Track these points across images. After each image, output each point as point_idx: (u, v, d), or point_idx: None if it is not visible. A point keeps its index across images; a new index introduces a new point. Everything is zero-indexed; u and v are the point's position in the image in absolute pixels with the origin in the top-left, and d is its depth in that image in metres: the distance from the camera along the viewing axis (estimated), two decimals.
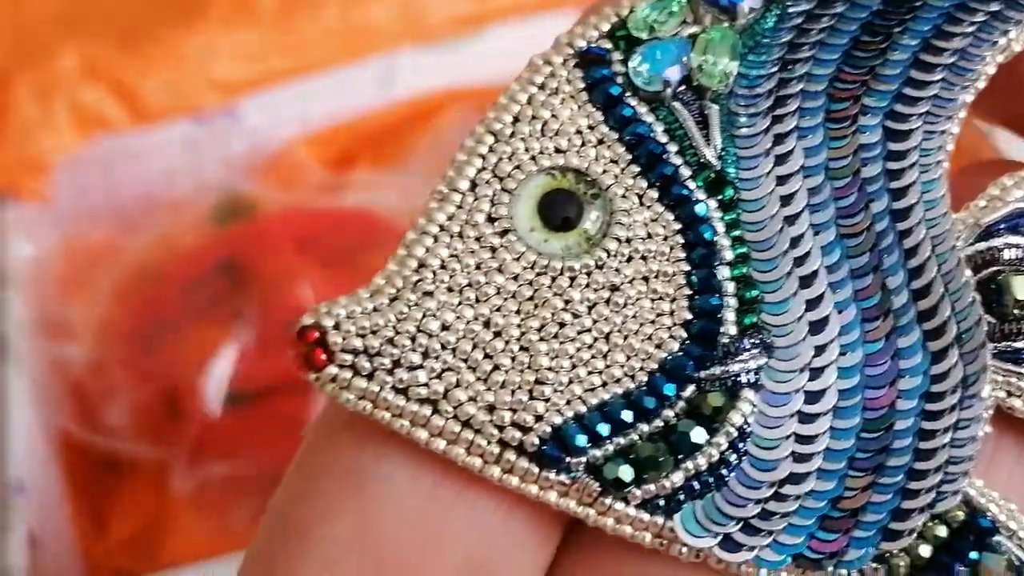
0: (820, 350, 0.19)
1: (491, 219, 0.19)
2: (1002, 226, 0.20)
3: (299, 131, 0.56)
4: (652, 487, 0.19)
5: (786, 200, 0.20)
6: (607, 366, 0.19)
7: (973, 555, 0.19)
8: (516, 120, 0.20)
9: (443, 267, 0.19)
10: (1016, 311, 0.20)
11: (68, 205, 0.53)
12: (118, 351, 0.50)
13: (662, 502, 0.19)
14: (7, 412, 0.47)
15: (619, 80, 0.20)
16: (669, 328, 0.19)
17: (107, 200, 0.54)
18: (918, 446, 0.19)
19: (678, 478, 0.19)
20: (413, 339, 0.19)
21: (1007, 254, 0.20)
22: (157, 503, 0.49)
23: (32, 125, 0.53)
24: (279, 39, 0.55)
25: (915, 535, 0.19)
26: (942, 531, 0.19)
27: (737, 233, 0.20)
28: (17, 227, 0.51)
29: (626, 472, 0.19)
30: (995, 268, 0.20)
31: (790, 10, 0.20)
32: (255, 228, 0.52)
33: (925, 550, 0.19)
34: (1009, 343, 0.20)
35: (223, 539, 0.47)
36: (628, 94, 0.20)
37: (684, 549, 0.19)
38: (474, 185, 0.20)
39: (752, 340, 0.19)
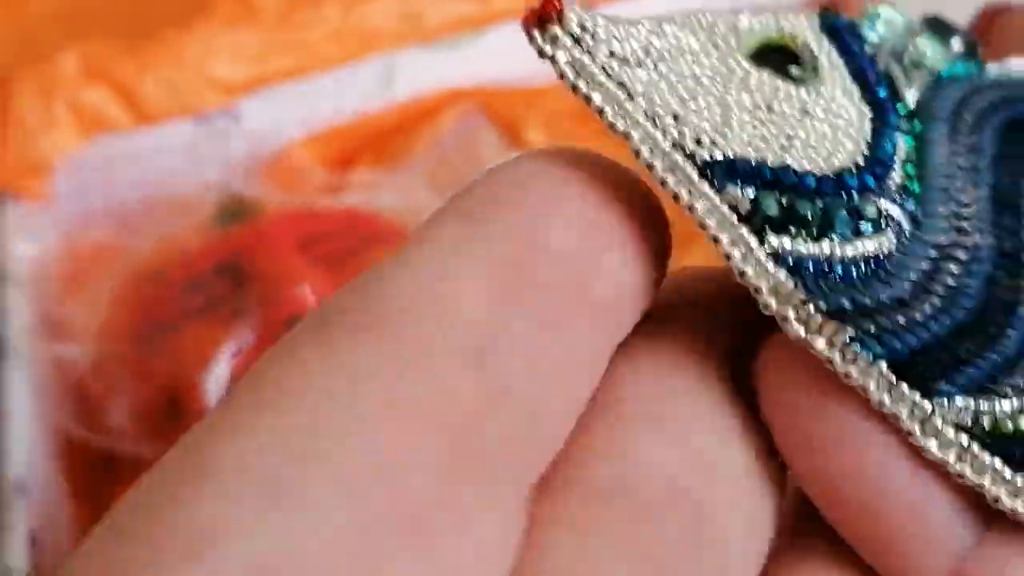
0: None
1: (714, 45, 0.21)
2: None
3: (299, 131, 0.56)
4: (787, 240, 0.19)
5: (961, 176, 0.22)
6: (790, 144, 0.20)
7: None
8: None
9: (676, 45, 0.20)
10: None
11: (68, 205, 0.53)
12: (118, 351, 0.50)
13: (790, 260, 0.19)
14: (7, 412, 0.47)
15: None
16: (852, 152, 0.20)
17: (107, 200, 0.54)
18: None
19: (826, 246, 0.19)
20: (640, 46, 0.20)
21: None
22: None
23: (33, 125, 0.53)
24: (280, 40, 0.55)
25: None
26: None
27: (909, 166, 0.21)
28: (17, 227, 0.51)
29: (775, 205, 0.19)
30: None
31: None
32: (256, 228, 0.52)
33: None
34: None
35: None
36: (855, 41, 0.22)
37: (791, 315, 0.19)
38: (694, 31, 0.21)
39: (908, 200, 0.21)
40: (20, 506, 0.44)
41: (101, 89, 0.54)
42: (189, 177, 0.55)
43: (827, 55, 0.22)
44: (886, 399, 0.18)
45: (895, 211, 0.20)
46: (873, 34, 0.23)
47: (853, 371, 0.18)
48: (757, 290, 0.18)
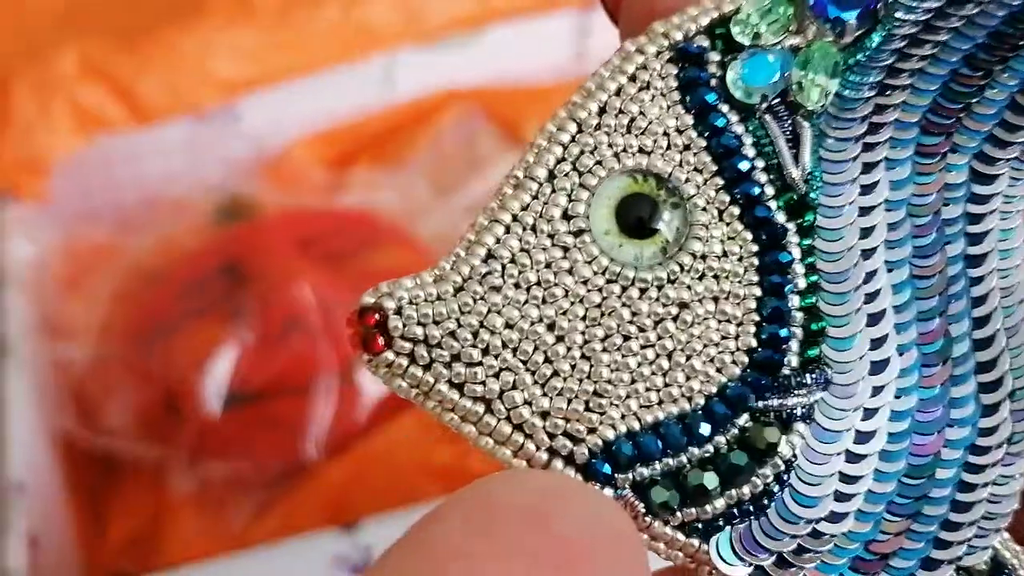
0: (877, 391, 0.19)
1: (567, 216, 0.19)
2: None
3: (299, 131, 0.56)
4: (694, 511, 0.19)
5: (865, 233, 0.19)
6: (666, 384, 0.19)
7: None
8: (603, 111, 0.19)
9: (512, 261, 0.18)
10: None
11: (68, 205, 0.53)
12: (118, 351, 0.50)
13: (700, 525, 0.19)
14: (7, 412, 0.46)
15: (713, 84, 0.19)
16: (732, 353, 0.19)
17: (107, 200, 0.54)
18: (956, 497, 0.19)
19: (720, 504, 0.19)
20: (475, 334, 0.18)
21: None
22: (157, 503, 0.49)
23: (32, 125, 0.53)
24: (279, 39, 0.55)
25: None
26: None
27: (811, 260, 0.19)
28: (17, 227, 0.51)
29: (673, 498, 0.18)
30: None
31: (895, 31, 0.20)
32: (255, 228, 0.52)
33: None
34: None
35: (222, 539, 0.47)
36: (721, 100, 0.19)
37: (714, 573, 0.19)
38: (552, 176, 0.19)
39: (812, 374, 0.19)
40: (20, 506, 0.44)
41: (100, 89, 0.54)
42: (188, 177, 0.55)
43: (692, 159, 0.19)
44: None
45: (793, 401, 0.19)
46: (742, 79, 0.20)
47: None
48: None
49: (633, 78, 0.19)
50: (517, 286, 0.18)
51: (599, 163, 0.19)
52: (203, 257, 0.51)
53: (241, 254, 0.50)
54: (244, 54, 0.55)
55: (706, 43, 0.19)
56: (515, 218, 0.19)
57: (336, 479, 0.46)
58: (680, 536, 0.19)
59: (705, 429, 0.18)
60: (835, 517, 0.19)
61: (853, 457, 0.19)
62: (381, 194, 0.53)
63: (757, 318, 0.19)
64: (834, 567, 0.19)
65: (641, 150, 0.19)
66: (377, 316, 0.18)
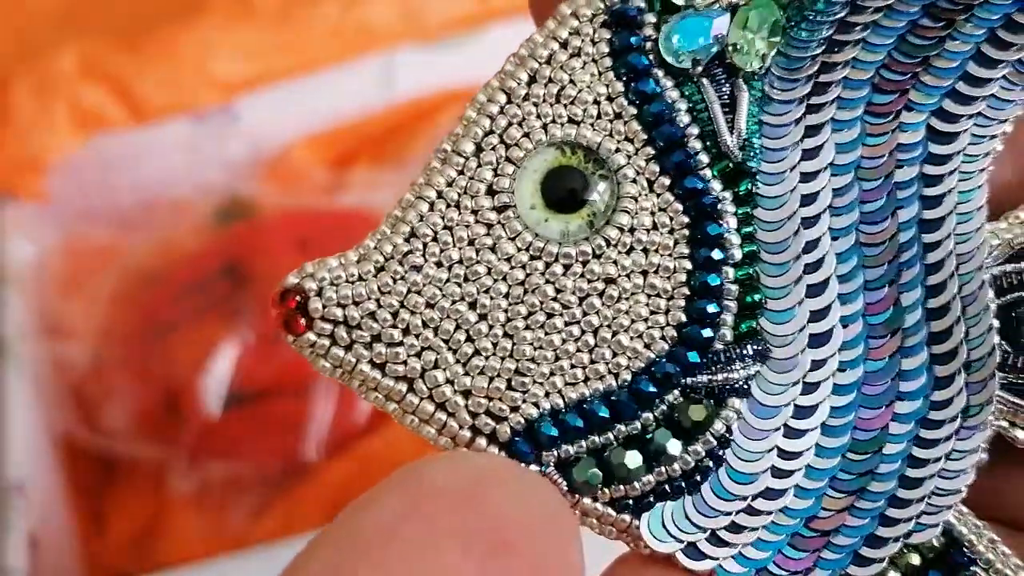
0: (817, 364, 0.18)
1: (492, 191, 0.18)
2: None
3: (299, 131, 0.56)
4: (622, 488, 0.18)
5: (808, 199, 0.19)
6: (592, 361, 0.18)
7: None
8: (532, 80, 0.19)
9: (435, 239, 0.18)
10: None
11: (68, 205, 0.53)
12: (118, 351, 0.49)
13: (631, 501, 0.18)
14: (7, 412, 0.46)
15: (647, 48, 0.18)
16: (662, 328, 0.18)
17: (107, 200, 0.54)
18: (905, 473, 0.18)
19: (649, 481, 0.18)
20: (395, 314, 0.18)
21: None
22: (157, 503, 0.49)
23: (31, 125, 0.53)
24: (278, 38, 0.55)
25: (885, 563, 0.18)
26: (915, 559, 0.19)
27: (749, 230, 0.19)
28: (17, 227, 0.51)
29: (595, 477, 0.18)
30: (1021, 293, 0.19)
31: None
32: (255, 229, 0.52)
33: None
34: (1021, 376, 0.18)
35: (222, 539, 0.47)
36: (655, 66, 0.18)
37: (649, 549, 0.19)
38: (479, 149, 0.18)
39: (747, 348, 0.18)
40: (20, 506, 0.44)
41: (99, 88, 0.54)
42: (188, 177, 0.55)
43: (623, 128, 0.18)
44: None
45: (725, 376, 0.18)
46: (674, 41, 0.19)
47: None
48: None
49: (565, 44, 0.19)
50: (439, 264, 0.18)
51: (527, 135, 0.19)
52: (203, 257, 0.51)
53: (241, 254, 0.50)
54: (244, 54, 0.55)
55: (643, 3, 0.19)
56: (440, 194, 0.18)
57: (336, 479, 0.46)
58: (611, 512, 0.18)
59: (630, 405, 0.18)
60: (772, 493, 0.18)
61: (792, 432, 0.18)
62: (381, 194, 0.53)
63: (687, 292, 0.18)
64: (771, 544, 0.18)
65: (571, 120, 0.19)
66: (298, 298, 0.18)
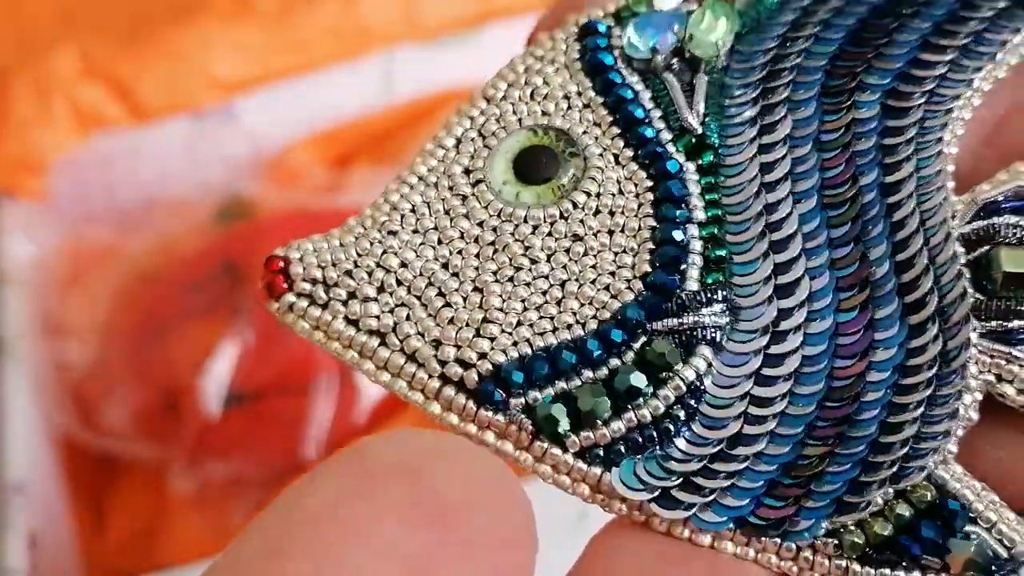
0: (785, 313, 0.19)
1: (467, 171, 0.20)
2: (1005, 205, 0.20)
3: (298, 130, 0.56)
4: (590, 434, 0.18)
5: (767, 167, 0.20)
6: (559, 312, 0.19)
7: (931, 535, 0.18)
8: (510, 86, 0.21)
9: (413, 211, 0.20)
10: (1006, 289, 0.19)
11: (68, 205, 0.53)
12: (118, 351, 0.49)
13: (601, 452, 0.19)
14: (7, 412, 0.46)
15: (614, 52, 0.21)
16: (628, 281, 0.19)
17: (106, 200, 0.54)
18: (885, 419, 0.19)
19: (618, 427, 0.18)
20: (370, 273, 0.19)
21: (1006, 232, 0.19)
22: (156, 503, 0.49)
23: (31, 124, 0.53)
24: (278, 37, 0.55)
25: (870, 509, 0.18)
26: (904, 510, 0.18)
27: (714, 197, 0.20)
28: (17, 227, 0.51)
29: (559, 411, 0.19)
30: (991, 245, 0.19)
31: None
32: (255, 228, 0.52)
33: (884, 528, 0.18)
34: (1001, 322, 0.19)
35: (222, 539, 0.47)
36: (621, 64, 0.21)
37: (623, 507, 0.19)
38: (459, 142, 0.20)
39: (715, 297, 0.19)
40: (20, 506, 0.44)
41: (99, 87, 0.54)
42: (188, 176, 0.55)
43: (591, 115, 0.20)
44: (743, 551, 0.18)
45: (692, 320, 0.19)
46: (632, 36, 0.21)
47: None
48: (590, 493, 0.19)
49: (541, 57, 0.21)
50: (415, 231, 0.20)
51: (503, 127, 0.20)
52: (203, 257, 0.51)
53: (241, 254, 0.50)
54: (243, 53, 0.55)
55: (611, 22, 0.21)
56: (420, 178, 0.20)
57: None
58: (581, 464, 0.19)
59: (596, 348, 0.19)
60: (746, 439, 0.19)
61: (763, 380, 0.19)
62: None
63: (652, 246, 0.19)
64: (749, 492, 0.19)
65: (543, 113, 0.20)
66: (281, 264, 0.19)
